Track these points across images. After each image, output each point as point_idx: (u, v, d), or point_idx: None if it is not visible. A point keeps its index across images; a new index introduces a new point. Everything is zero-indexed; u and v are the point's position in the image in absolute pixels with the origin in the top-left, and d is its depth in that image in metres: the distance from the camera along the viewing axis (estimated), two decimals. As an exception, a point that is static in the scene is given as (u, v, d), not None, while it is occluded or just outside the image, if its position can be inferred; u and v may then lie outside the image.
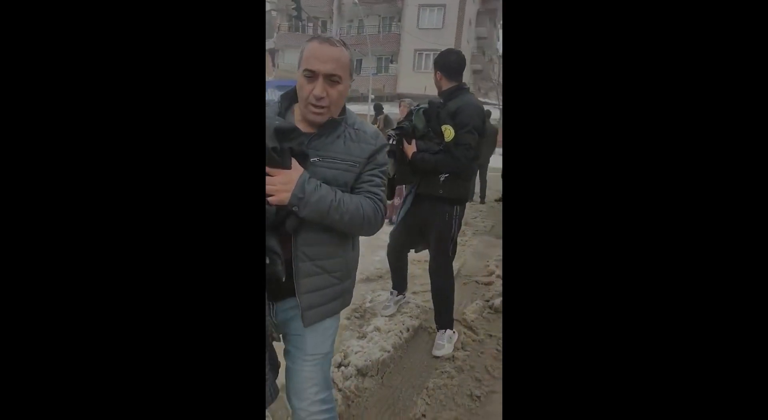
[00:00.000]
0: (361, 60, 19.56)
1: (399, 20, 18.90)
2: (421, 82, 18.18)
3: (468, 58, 19.91)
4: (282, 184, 0.96)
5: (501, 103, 18.39)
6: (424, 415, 1.63)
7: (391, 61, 19.65)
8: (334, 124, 1.05)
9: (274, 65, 21.19)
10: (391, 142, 1.92)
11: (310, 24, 20.23)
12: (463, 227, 4.22)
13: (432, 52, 18.04)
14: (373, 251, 3.30)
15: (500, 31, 24.11)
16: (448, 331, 2.13)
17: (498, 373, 1.91)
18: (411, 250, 2.35)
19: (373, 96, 17.08)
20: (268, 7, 19.65)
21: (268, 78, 21.12)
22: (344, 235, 1.09)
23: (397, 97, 18.88)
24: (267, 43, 21.05)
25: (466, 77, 20.23)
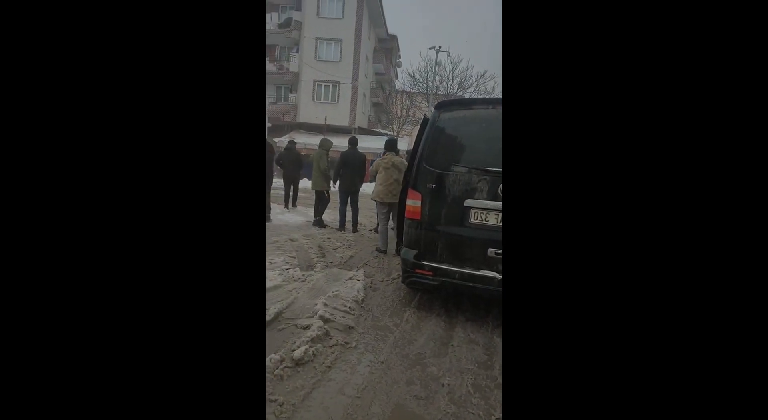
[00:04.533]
0: (258, 88, 18.89)
1: (297, 51, 18.87)
2: (320, 112, 18.19)
3: (367, 91, 20.58)
4: None
5: (398, 133, 19.31)
6: None
7: (291, 91, 19.38)
8: None
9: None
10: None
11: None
12: (312, 259, 3.92)
13: (332, 84, 18.34)
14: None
15: (397, 69, 25.74)
16: None
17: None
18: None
19: (270, 124, 16.47)
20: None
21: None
22: None
23: (297, 126, 18.60)
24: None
25: (366, 109, 21.01)
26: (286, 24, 18.67)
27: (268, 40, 19.28)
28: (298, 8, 18.58)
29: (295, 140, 7.87)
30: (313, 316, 2.44)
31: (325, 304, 2.60)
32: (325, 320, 2.39)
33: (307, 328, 2.29)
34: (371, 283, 3.32)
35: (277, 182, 6.98)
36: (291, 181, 7.26)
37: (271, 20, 19.17)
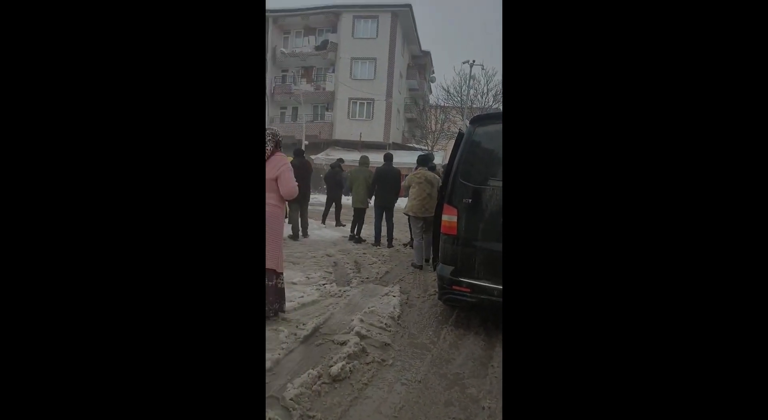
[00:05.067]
0: (297, 108, 19.68)
1: (333, 71, 19.51)
2: (355, 129, 18.59)
3: (401, 107, 20.75)
4: None
5: (432, 147, 19.32)
6: None
7: (327, 109, 19.99)
8: None
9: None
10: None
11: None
12: (348, 274, 3.95)
13: (366, 101, 18.73)
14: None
15: (430, 84, 25.95)
16: None
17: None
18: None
19: (307, 142, 17.01)
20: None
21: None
22: None
23: (333, 143, 19.06)
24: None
25: (400, 124, 21.22)
26: (323, 46, 19.41)
27: (306, 63, 20.11)
28: (334, 31, 19.30)
29: (342, 159, 7.75)
30: (349, 332, 2.45)
31: (362, 320, 2.60)
32: (362, 336, 2.39)
33: (343, 344, 2.29)
34: (407, 299, 3.29)
35: (315, 198, 7.14)
36: (334, 200, 7.11)
37: (309, 43, 20.02)
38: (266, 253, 2.49)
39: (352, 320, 2.61)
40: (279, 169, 2.46)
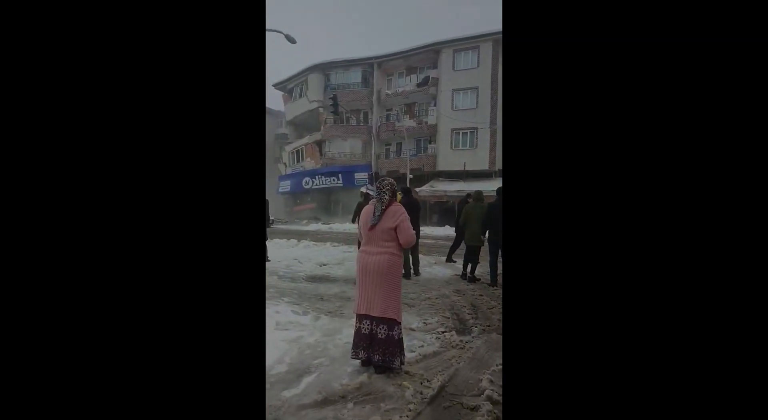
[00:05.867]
0: (401, 143, 20.47)
1: (434, 105, 19.93)
2: (459, 159, 18.44)
3: (506, 133, 20.21)
4: None
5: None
6: None
7: (430, 142, 20.35)
8: None
9: (321, 155, 22.71)
10: None
11: (352, 116, 21.89)
12: (467, 320, 3.66)
13: (469, 130, 18.56)
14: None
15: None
16: None
17: None
18: None
19: (411, 175, 17.37)
20: (314, 105, 21.69)
21: (315, 166, 22.56)
22: None
23: (437, 175, 19.14)
24: (315, 134, 22.91)
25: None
26: (424, 82, 20.09)
27: (408, 100, 20.98)
28: (435, 67, 19.89)
29: (470, 194, 6.83)
30: (479, 395, 2.22)
31: (491, 381, 2.36)
32: (494, 402, 2.15)
33: (474, 409, 2.08)
34: (539, 354, 2.91)
35: (425, 231, 7.05)
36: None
37: (411, 82, 20.95)
38: (387, 303, 2.47)
39: (481, 380, 2.38)
40: (398, 219, 2.47)
